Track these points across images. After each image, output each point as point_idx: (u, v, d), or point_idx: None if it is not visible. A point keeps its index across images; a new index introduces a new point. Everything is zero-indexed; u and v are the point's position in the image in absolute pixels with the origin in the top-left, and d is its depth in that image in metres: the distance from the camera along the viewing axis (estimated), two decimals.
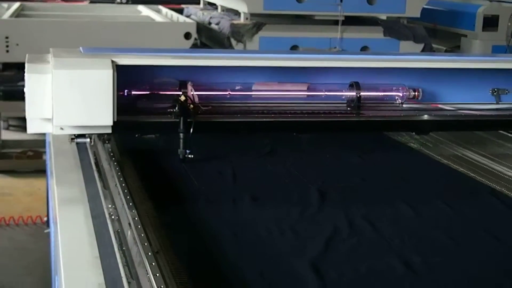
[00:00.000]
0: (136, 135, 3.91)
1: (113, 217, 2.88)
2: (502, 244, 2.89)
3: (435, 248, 2.82)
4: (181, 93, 3.66)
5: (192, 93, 3.71)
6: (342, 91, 3.96)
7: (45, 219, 6.53)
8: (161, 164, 3.68)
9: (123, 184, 3.08)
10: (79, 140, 3.65)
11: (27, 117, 3.45)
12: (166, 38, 7.38)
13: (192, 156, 3.65)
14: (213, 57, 3.80)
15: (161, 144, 3.95)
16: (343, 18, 7.13)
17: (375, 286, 2.51)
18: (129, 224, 2.65)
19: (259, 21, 7.11)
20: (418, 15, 7.36)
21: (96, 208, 3.05)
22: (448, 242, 2.88)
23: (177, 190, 3.35)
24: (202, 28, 7.95)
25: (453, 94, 4.15)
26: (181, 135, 3.62)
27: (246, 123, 3.76)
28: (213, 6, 8.55)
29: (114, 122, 3.41)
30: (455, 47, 7.93)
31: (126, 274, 2.38)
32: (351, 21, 7.24)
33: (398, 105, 4.02)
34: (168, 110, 3.64)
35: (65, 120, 3.40)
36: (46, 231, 6.13)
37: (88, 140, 3.67)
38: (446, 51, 7.84)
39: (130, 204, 2.83)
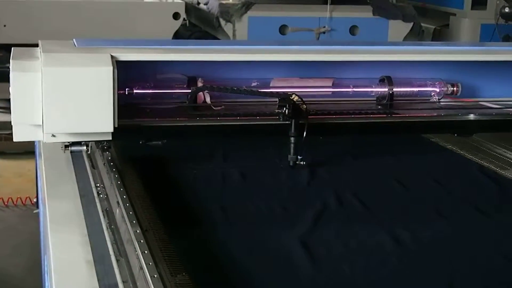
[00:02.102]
0: (140, 142, 3.03)
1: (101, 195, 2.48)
2: None
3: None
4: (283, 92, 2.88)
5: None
6: (372, 87, 3.14)
7: (35, 200, 6.03)
8: (171, 176, 2.83)
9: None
10: (74, 148, 2.80)
11: (13, 122, 2.70)
12: (155, 18, 6.82)
13: (305, 162, 2.90)
14: (224, 51, 3.03)
15: (170, 152, 3.06)
16: None
17: None
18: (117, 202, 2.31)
19: (248, 1, 6.62)
20: None
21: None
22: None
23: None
24: (191, 8, 7.42)
25: (494, 89, 3.32)
26: (292, 139, 2.88)
27: (263, 126, 2.94)
28: None
29: (114, 128, 2.64)
30: (443, 26, 7.36)
31: (114, 252, 2.08)
32: (340, 0, 6.71)
33: (435, 102, 3.21)
34: (276, 111, 2.91)
35: (57, 127, 2.63)
36: (35, 211, 5.67)
37: (84, 148, 2.82)
38: (435, 30, 7.21)
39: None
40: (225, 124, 2.93)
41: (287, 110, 2.87)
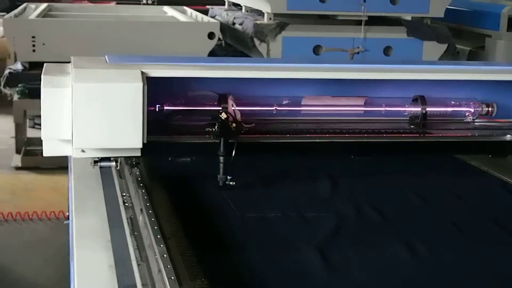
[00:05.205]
0: (169, 158, 2.98)
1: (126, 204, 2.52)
2: None
3: None
4: (220, 108, 2.76)
5: (233, 108, 2.82)
6: (405, 106, 3.06)
7: (67, 214, 5.92)
8: (197, 192, 2.77)
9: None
10: (103, 164, 2.76)
11: (42, 137, 2.68)
12: (190, 38, 6.80)
13: (234, 183, 2.76)
14: (255, 68, 2.97)
15: (198, 169, 3.00)
16: (366, 18, 6.50)
17: None
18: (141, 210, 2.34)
19: (282, 21, 6.55)
20: (442, 15, 6.68)
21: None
22: None
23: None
24: (226, 28, 7.36)
25: None
26: (221, 158, 2.75)
27: (296, 144, 2.86)
28: (238, 6, 7.93)
29: (143, 144, 2.60)
30: (479, 48, 7.21)
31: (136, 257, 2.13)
32: (374, 21, 6.62)
33: (469, 122, 3.12)
34: (206, 129, 2.79)
35: (86, 142, 2.60)
36: (65, 222, 5.71)
37: (113, 163, 2.78)
38: (470, 51, 7.09)
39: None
40: (253, 142, 2.87)
41: (216, 128, 2.78)
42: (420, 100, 3.08)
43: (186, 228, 2.33)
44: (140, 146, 2.60)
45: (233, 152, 2.74)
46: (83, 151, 2.64)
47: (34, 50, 6.75)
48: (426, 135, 3.06)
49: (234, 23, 7.15)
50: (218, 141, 2.76)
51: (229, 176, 2.76)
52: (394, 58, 6.46)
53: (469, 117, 3.16)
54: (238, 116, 2.90)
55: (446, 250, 2.36)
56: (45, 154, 2.70)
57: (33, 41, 6.72)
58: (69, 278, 3.18)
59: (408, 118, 3.14)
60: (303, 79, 3.01)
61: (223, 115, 2.78)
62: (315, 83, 3.06)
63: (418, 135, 3.05)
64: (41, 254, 5.57)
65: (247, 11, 7.41)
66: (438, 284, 2.14)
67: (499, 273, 2.23)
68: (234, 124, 2.79)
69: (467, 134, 3.09)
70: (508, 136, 3.07)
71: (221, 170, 2.77)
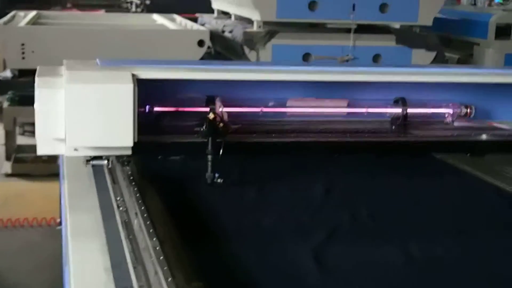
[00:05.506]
0: (159, 157, 3.13)
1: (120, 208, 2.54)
2: None
3: None
4: (208, 110, 2.91)
5: (220, 109, 2.97)
6: (386, 108, 3.21)
7: (58, 220, 6.01)
8: (189, 192, 2.91)
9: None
10: (95, 162, 2.90)
11: (36, 137, 2.80)
12: (179, 46, 6.87)
13: (222, 180, 2.89)
14: (243, 70, 3.09)
15: (187, 167, 3.15)
16: (356, 26, 6.61)
17: None
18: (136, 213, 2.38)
19: (272, 29, 6.64)
20: (431, 24, 6.79)
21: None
22: None
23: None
24: (216, 36, 7.45)
25: (507, 111, 3.37)
26: (209, 157, 2.88)
27: (282, 144, 3.01)
28: (227, 14, 8.02)
29: (134, 142, 2.73)
30: (468, 56, 7.34)
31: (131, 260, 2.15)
32: (363, 29, 6.72)
33: (448, 123, 3.27)
34: (195, 129, 2.92)
35: (79, 141, 2.73)
36: (58, 227, 5.62)
37: (105, 162, 2.92)
38: (459, 59, 7.22)
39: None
40: (240, 141, 3.02)
41: (204, 128, 2.91)
42: (401, 101, 3.23)
43: (180, 230, 2.36)
44: (131, 144, 2.73)
45: (221, 151, 2.88)
46: (76, 149, 2.77)
47: (23, 58, 6.79)
48: (407, 135, 3.21)
49: (223, 31, 7.23)
50: (206, 140, 2.90)
51: (217, 174, 2.89)
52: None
53: (448, 119, 3.32)
54: (226, 117, 3.05)
55: (442, 250, 2.42)
56: (39, 152, 2.82)
57: (23, 48, 6.75)
58: (62, 282, 3.28)
59: (389, 120, 3.30)
60: (288, 82, 3.14)
61: (211, 115, 2.91)
62: (301, 86, 3.19)
63: (399, 135, 3.20)
64: (33, 260, 5.65)
65: (237, 19, 7.48)
66: (436, 284, 2.20)
67: (498, 272, 2.29)
68: (221, 124, 2.93)
69: (446, 134, 3.25)
70: (484, 135, 3.23)
71: (209, 168, 2.89)
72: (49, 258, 5.57)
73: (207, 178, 2.90)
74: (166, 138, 3.00)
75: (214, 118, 2.89)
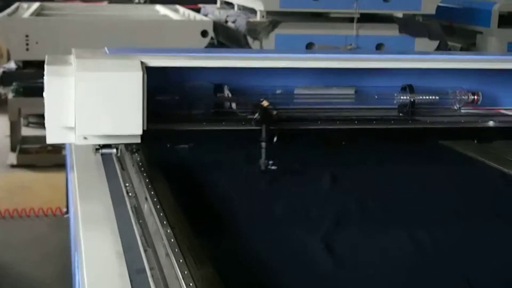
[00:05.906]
0: (168, 145, 3.15)
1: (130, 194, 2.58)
2: None
3: None
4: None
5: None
6: (393, 95, 3.22)
7: (65, 210, 6.14)
8: (197, 179, 2.93)
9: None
10: (104, 151, 2.91)
11: (46, 125, 2.79)
12: (183, 36, 6.95)
13: (276, 167, 2.93)
14: (249, 58, 3.10)
15: (196, 155, 3.18)
16: (359, 16, 6.64)
17: None
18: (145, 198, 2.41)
19: (275, 19, 6.65)
20: (433, 12, 6.83)
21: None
22: None
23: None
24: (219, 26, 7.48)
25: None
26: (263, 144, 2.93)
27: (288, 131, 3.03)
28: (230, 5, 8.04)
29: (143, 130, 2.73)
30: (470, 44, 7.36)
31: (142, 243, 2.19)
32: (366, 18, 6.76)
33: (455, 110, 3.28)
34: (248, 117, 3.01)
35: (89, 129, 2.73)
36: (65, 215, 5.74)
37: (114, 150, 2.93)
38: (461, 48, 7.22)
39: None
40: (250, 129, 3.04)
41: (258, 115, 2.96)
42: (408, 89, 3.25)
43: (189, 216, 2.38)
44: (140, 133, 2.74)
45: (275, 138, 2.92)
46: (85, 138, 2.79)
47: (27, 49, 6.85)
48: (414, 122, 3.22)
49: (227, 21, 7.25)
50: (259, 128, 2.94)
51: (271, 161, 2.93)
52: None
53: (456, 105, 3.33)
54: (234, 106, 3.07)
55: (450, 236, 2.46)
56: (48, 141, 2.81)
57: (27, 40, 6.81)
58: (69, 272, 3.30)
59: (396, 107, 3.32)
60: (297, 71, 3.16)
61: (265, 103, 2.96)
62: (309, 74, 3.21)
63: (406, 122, 3.22)
64: (39, 251, 5.69)
65: (240, 9, 7.52)
66: (443, 270, 2.21)
67: (505, 261, 2.30)
68: (275, 112, 2.97)
69: (453, 121, 3.26)
70: (491, 122, 3.24)
71: (263, 155, 2.93)
72: (56, 248, 5.63)
73: (261, 165, 2.94)
74: (174, 126, 3.01)
75: (268, 105, 2.92)
